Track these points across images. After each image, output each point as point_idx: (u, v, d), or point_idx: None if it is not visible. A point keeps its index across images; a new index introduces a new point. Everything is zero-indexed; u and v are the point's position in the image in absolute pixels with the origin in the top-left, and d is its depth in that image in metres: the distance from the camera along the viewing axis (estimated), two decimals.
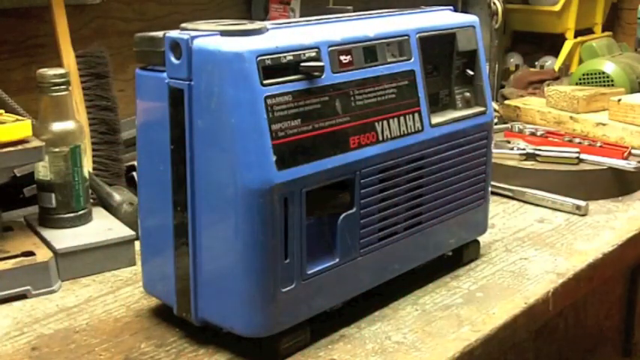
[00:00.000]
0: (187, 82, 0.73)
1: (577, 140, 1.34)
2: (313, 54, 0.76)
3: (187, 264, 0.77)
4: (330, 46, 0.77)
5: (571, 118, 1.47)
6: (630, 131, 1.38)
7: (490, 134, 0.97)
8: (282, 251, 0.74)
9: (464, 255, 0.98)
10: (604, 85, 1.63)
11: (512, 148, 1.30)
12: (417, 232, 0.88)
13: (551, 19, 1.97)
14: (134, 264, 0.98)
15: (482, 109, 0.96)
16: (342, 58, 0.78)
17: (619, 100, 1.42)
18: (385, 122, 0.82)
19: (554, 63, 1.95)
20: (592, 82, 1.66)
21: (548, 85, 1.69)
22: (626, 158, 1.27)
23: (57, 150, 0.99)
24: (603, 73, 1.66)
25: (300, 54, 0.74)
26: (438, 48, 0.91)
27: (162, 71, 0.75)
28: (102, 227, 1.01)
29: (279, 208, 0.73)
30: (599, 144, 1.33)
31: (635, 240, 1.11)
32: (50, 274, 0.92)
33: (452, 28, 0.92)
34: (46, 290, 0.91)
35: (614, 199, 1.23)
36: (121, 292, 0.92)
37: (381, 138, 0.81)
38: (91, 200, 1.05)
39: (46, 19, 1.18)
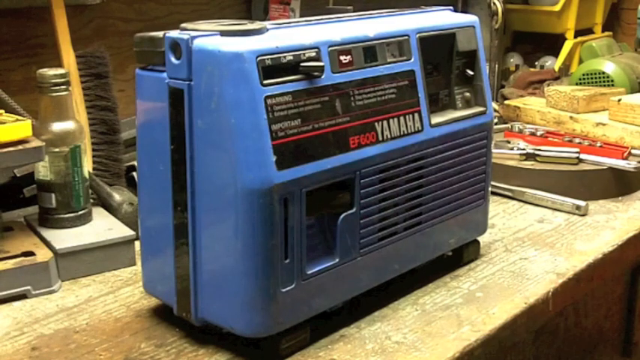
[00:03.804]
0: (187, 82, 0.73)
1: (577, 140, 1.34)
2: (313, 54, 0.76)
3: (187, 264, 0.77)
4: (330, 46, 0.77)
5: (571, 118, 1.47)
6: (630, 131, 1.38)
7: (490, 134, 0.97)
8: (282, 251, 0.74)
9: (464, 255, 0.98)
10: (604, 85, 1.63)
11: (512, 148, 1.30)
12: (417, 232, 0.88)
13: (551, 19, 1.97)
14: (134, 264, 0.98)
15: (482, 109, 0.96)
16: (342, 58, 0.78)
17: (619, 100, 1.42)
18: (385, 122, 0.82)
19: (554, 63, 1.95)
20: (592, 82, 1.67)
21: (548, 85, 1.69)
22: (626, 158, 1.27)
23: (57, 150, 0.99)
24: (603, 73, 1.66)
25: (300, 54, 0.74)
26: (438, 48, 0.91)
27: (163, 71, 0.75)
28: (102, 227, 1.01)
29: (279, 208, 0.73)
30: (599, 144, 1.33)
31: (635, 240, 1.11)
32: (50, 274, 0.92)
33: (452, 28, 0.92)
34: (46, 290, 0.91)
35: (614, 199, 1.23)
36: (121, 292, 0.92)
37: (381, 138, 0.81)
38: (91, 200, 1.05)
39: (46, 19, 1.18)
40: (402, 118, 0.84)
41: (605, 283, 1.13)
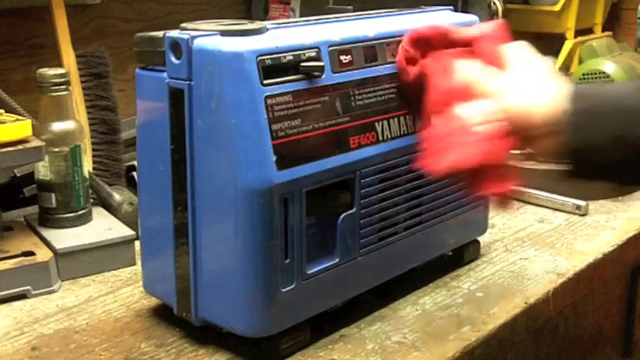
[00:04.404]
0: (187, 82, 0.73)
1: None
2: (313, 54, 0.76)
3: (187, 264, 0.77)
4: (330, 46, 0.77)
5: None
6: None
7: None
8: (282, 251, 0.74)
9: (464, 255, 0.98)
10: None
11: None
12: (417, 232, 0.88)
13: (551, 19, 1.97)
14: (134, 264, 0.98)
15: None
16: (342, 58, 0.78)
17: None
18: (385, 122, 0.82)
19: (554, 63, 1.95)
20: (592, 82, 1.66)
21: None
22: None
23: (57, 150, 0.99)
24: (603, 73, 1.66)
25: (300, 54, 0.74)
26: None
27: (163, 71, 0.75)
28: (102, 227, 1.01)
29: (279, 208, 0.72)
30: None
31: (635, 240, 1.11)
32: (50, 274, 0.92)
33: None
34: (46, 290, 0.91)
35: (614, 199, 1.23)
36: (121, 292, 0.92)
37: (381, 138, 0.81)
38: (91, 200, 1.05)
39: (46, 19, 1.18)
40: (402, 118, 0.84)
41: (605, 283, 1.13)
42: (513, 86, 0.73)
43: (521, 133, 0.72)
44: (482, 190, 0.74)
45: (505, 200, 0.75)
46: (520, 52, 0.77)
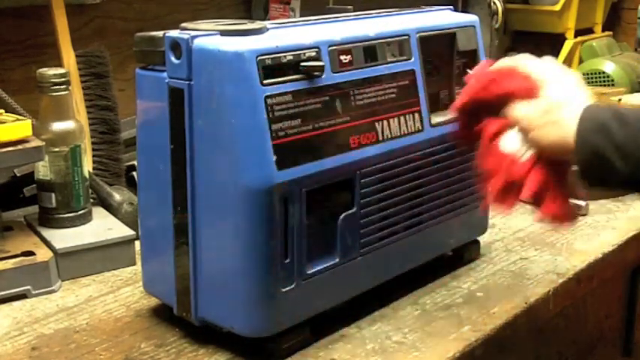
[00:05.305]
0: (187, 82, 0.73)
1: None
2: (313, 54, 0.76)
3: (187, 264, 0.77)
4: (330, 46, 0.77)
5: None
6: None
7: None
8: (282, 251, 0.74)
9: (464, 255, 0.98)
10: (604, 85, 1.63)
11: None
12: (417, 231, 0.88)
13: (551, 19, 1.97)
14: (134, 264, 0.98)
15: None
16: (342, 57, 0.78)
17: (619, 100, 1.42)
18: (385, 122, 0.82)
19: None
20: (592, 82, 1.67)
21: None
22: None
23: (57, 150, 0.99)
24: (603, 72, 1.66)
25: (300, 54, 0.74)
26: (438, 48, 0.91)
27: (163, 71, 0.75)
28: (102, 227, 1.01)
29: (279, 208, 0.72)
30: None
31: (635, 240, 1.10)
32: (50, 273, 0.92)
33: (452, 28, 0.92)
34: (46, 290, 0.91)
35: (614, 199, 1.23)
36: (121, 292, 0.92)
37: (381, 138, 0.81)
38: (91, 200, 1.05)
39: (46, 19, 1.18)
40: (402, 118, 0.84)
41: (605, 283, 1.13)
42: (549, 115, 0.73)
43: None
44: (544, 214, 0.76)
45: (565, 218, 0.77)
46: (549, 69, 0.78)
